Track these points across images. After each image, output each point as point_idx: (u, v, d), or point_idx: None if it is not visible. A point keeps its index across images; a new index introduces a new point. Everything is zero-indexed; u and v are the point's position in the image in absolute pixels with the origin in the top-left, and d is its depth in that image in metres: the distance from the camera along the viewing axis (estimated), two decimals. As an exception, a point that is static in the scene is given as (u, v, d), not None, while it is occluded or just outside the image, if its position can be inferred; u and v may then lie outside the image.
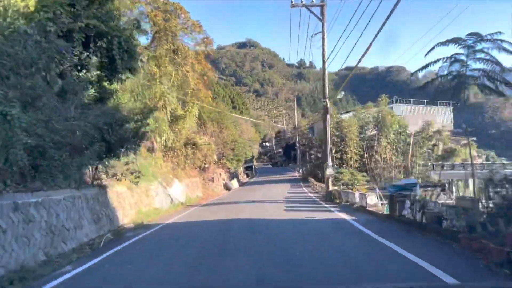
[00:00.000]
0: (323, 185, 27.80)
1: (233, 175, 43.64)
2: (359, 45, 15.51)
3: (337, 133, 39.33)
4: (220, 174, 38.23)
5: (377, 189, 17.47)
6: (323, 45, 20.93)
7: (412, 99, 56.48)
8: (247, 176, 56.34)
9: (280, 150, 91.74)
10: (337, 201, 19.42)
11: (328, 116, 20.96)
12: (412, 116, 47.49)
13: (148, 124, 14.06)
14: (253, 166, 62.47)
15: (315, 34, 21.37)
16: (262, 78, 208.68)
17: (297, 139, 54.87)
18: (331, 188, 20.97)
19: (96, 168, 13.96)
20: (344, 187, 22.32)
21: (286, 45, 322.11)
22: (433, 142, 39.27)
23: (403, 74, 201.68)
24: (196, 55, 26.35)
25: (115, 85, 13.66)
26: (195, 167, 32.16)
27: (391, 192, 12.17)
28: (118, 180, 14.19)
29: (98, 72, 12.23)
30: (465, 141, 40.32)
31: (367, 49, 15.13)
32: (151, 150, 24.69)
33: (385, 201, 15.56)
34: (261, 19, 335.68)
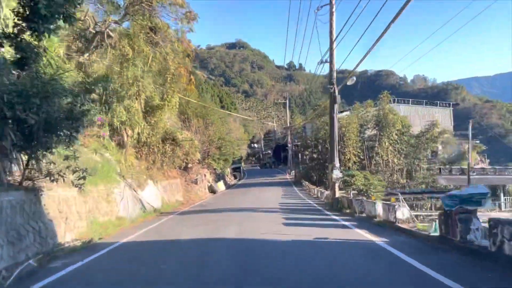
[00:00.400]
0: (322, 190, 23.85)
1: (220, 177, 39.37)
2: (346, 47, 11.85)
3: (334, 132, 35.38)
4: (205, 175, 33.97)
5: (400, 197, 13.51)
6: (330, 20, 16.92)
7: (410, 99, 53.22)
8: (235, 177, 52.14)
9: (269, 151, 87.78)
10: (347, 211, 15.42)
11: (336, 106, 16.92)
12: (412, 116, 44.09)
13: (93, 101, 9.84)
14: (241, 167, 58.33)
15: (322, 7, 17.37)
16: (251, 79, 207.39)
17: (289, 139, 51.00)
18: (338, 194, 16.94)
19: (27, 164, 9.72)
20: (355, 192, 18.33)
21: (276, 47, 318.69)
22: (438, 144, 35.74)
23: (392, 78, 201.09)
24: (177, 33, 22.05)
25: (50, 41, 9.43)
26: (175, 167, 27.84)
27: (449, 206, 8.18)
28: (53, 181, 9.88)
29: (15, 18, 8.01)
30: (468, 144, 36.96)
31: (368, 52, 12.56)
32: (121, 145, 20.36)
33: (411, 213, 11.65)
34: (251, 20, 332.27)
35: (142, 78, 20.68)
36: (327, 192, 21.60)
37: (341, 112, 43.56)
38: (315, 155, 36.04)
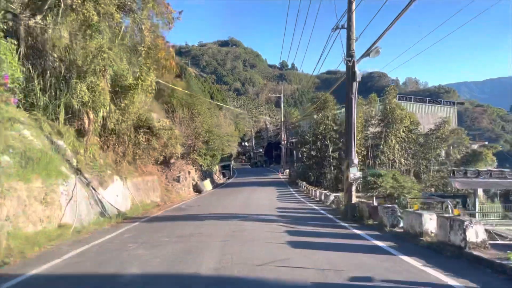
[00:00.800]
0: (326, 192, 19.86)
1: (206, 175, 35.06)
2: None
3: (335, 128, 31.50)
4: (189, 172, 29.66)
5: (449, 204, 9.46)
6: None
7: (413, 96, 49.71)
8: (224, 176, 47.88)
9: (261, 150, 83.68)
10: (370, 222, 11.37)
11: (355, 85, 12.80)
12: (416, 114, 40.43)
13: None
14: (231, 165, 54.06)
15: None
16: (243, 78, 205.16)
17: (283, 135, 46.88)
18: (355, 199, 12.87)
19: None
20: (381, 198, 14.28)
21: (268, 46, 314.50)
22: (449, 143, 32.04)
23: (384, 80, 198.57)
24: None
25: None
26: (153, 162, 23.57)
27: None
28: None
29: None
30: (477, 144, 33.38)
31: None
32: (82, 132, 16.04)
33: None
34: (244, 18, 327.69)
35: (110, 50, 16.40)
36: (334, 195, 17.56)
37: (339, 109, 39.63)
38: (313, 153, 32.04)
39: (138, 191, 19.31)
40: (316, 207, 16.49)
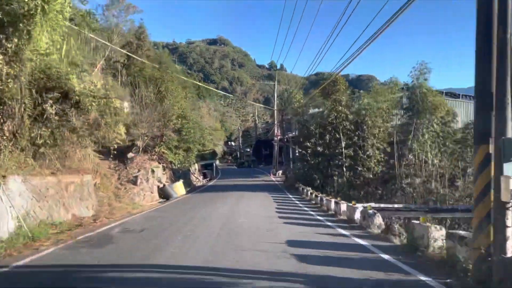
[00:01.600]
0: (343, 204, 11.86)
1: (180, 175, 26.57)
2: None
3: (350, 117, 23.61)
4: (153, 171, 21.20)
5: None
6: None
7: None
8: (205, 177, 39.46)
9: (248, 149, 75.47)
10: None
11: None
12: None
13: None
14: (214, 165, 45.63)
15: None
16: (231, 77, 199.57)
17: (276, 130, 38.69)
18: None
19: None
20: None
21: (257, 46, 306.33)
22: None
23: (373, 83, 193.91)
24: None
25: None
26: (94, 153, 15.22)
27: None
28: None
29: None
30: None
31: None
32: None
33: None
34: (233, 17, 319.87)
35: None
36: (380, 218, 9.50)
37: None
38: (319, 149, 23.97)
39: (42, 200, 10.86)
40: (363, 243, 8.35)
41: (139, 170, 20.47)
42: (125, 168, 20.53)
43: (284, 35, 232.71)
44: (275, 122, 39.50)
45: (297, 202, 18.75)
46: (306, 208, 15.92)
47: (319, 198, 17.45)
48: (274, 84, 40.97)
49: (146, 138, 21.25)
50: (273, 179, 35.96)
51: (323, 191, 23.39)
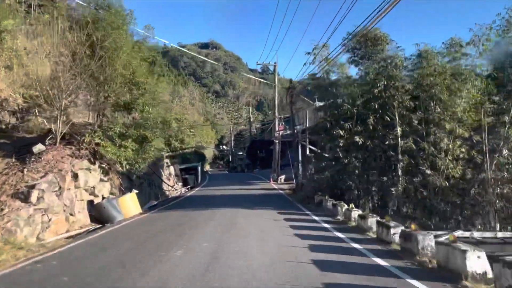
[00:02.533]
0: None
1: (141, 183, 16.80)
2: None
3: (407, 87, 14.36)
4: (77, 176, 11.65)
5: None
6: None
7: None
8: (185, 184, 29.74)
9: (241, 152, 65.90)
10: None
11: None
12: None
13: None
14: (198, 168, 35.75)
15: None
16: (223, 80, 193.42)
17: (277, 125, 29.25)
18: None
19: None
20: None
21: (249, 49, 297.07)
22: None
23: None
24: None
25: None
26: None
27: None
28: None
29: None
30: None
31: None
32: None
33: None
34: (225, 21, 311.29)
35: None
36: None
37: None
38: (359, 140, 14.52)
39: None
40: None
41: (45, 174, 10.88)
42: (22, 169, 10.96)
43: (273, 39, 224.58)
44: (275, 114, 30.04)
45: (337, 233, 9.26)
46: (364, 251, 6.52)
47: (390, 231, 7.98)
48: (275, 66, 31.57)
49: (68, 114, 11.68)
50: (275, 186, 26.52)
51: (359, 205, 14.16)
